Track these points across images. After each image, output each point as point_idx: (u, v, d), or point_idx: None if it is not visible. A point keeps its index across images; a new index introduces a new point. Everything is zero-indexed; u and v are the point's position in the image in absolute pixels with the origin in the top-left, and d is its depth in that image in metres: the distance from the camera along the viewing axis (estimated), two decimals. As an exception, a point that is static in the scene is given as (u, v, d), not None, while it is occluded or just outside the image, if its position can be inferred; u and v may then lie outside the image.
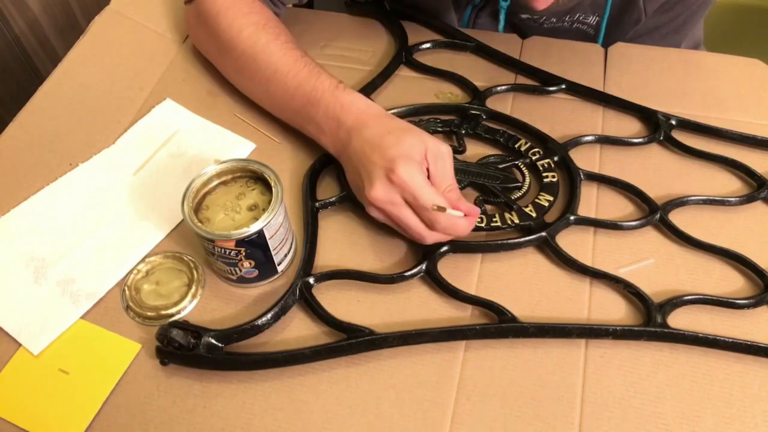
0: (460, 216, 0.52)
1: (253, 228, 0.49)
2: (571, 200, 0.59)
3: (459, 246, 0.56)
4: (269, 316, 0.52)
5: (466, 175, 0.60)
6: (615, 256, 0.57)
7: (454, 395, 0.50)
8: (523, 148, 0.63)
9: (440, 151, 0.53)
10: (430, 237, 0.53)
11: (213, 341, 0.50)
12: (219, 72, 0.70)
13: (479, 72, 0.70)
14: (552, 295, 0.55)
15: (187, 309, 0.54)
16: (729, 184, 0.62)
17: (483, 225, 0.57)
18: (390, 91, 0.69)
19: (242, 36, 0.62)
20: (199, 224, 0.50)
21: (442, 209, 0.51)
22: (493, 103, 0.67)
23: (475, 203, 0.59)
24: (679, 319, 0.53)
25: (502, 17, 0.73)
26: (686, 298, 0.54)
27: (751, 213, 0.60)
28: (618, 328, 0.51)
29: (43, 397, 0.50)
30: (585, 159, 0.63)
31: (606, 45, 0.73)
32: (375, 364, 0.51)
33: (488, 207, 0.59)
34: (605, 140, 0.64)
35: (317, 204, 0.59)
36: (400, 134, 0.53)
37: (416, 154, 0.52)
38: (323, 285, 0.55)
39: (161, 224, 0.59)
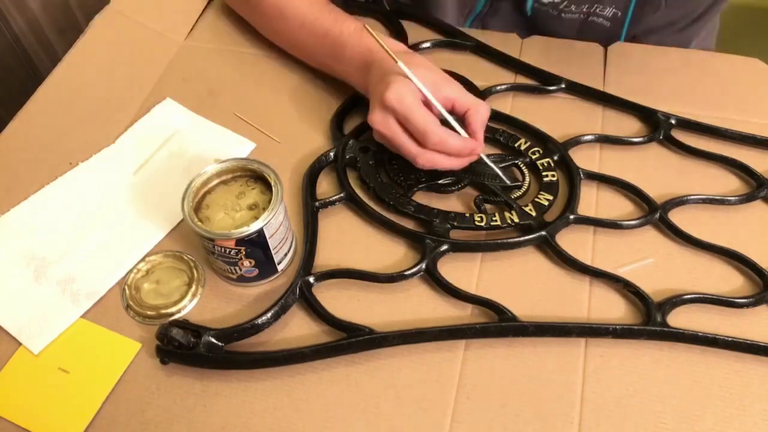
0: (451, 133, 0.55)
1: (253, 227, 0.49)
2: (571, 199, 0.59)
3: (459, 245, 0.56)
4: (269, 315, 0.52)
5: (466, 174, 0.60)
6: (615, 256, 0.57)
7: (454, 394, 0.50)
8: (522, 148, 0.63)
9: (445, 93, 0.56)
10: (423, 156, 0.55)
11: (213, 340, 0.50)
12: (219, 71, 0.70)
13: (479, 71, 0.70)
14: (552, 294, 0.55)
15: (187, 308, 0.54)
16: (729, 184, 0.62)
17: (483, 224, 0.57)
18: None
19: None
20: (199, 223, 0.50)
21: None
22: (493, 103, 0.67)
23: (475, 203, 0.59)
24: (679, 318, 0.53)
25: (529, 5, 0.73)
26: (686, 297, 0.54)
27: (751, 212, 0.60)
28: (618, 327, 0.51)
29: (43, 396, 0.50)
30: (585, 158, 0.63)
31: (627, 36, 0.74)
32: (375, 363, 0.51)
33: (488, 206, 0.59)
34: (605, 139, 0.64)
35: (317, 203, 0.59)
36: (412, 67, 0.56)
37: (415, 79, 0.55)
38: (323, 284, 0.55)
39: (161, 223, 0.59)
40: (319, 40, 0.65)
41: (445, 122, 0.57)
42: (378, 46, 0.58)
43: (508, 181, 0.59)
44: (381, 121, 0.56)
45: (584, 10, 0.74)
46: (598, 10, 0.73)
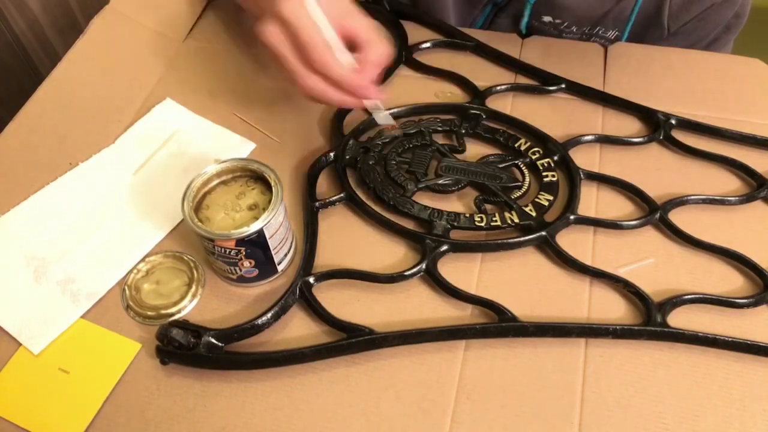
0: (340, 62, 0.51)
1: (253, 227, 0.49)
2: (571, 200, 0.59)
3: (459, 245, 0.56)
4: (269, 315, 0.52)
5: (466, 174, 0.60)
6: (615, 256, 0.57)
7: (454, 395, 0.50)
8: (522, 148, 0.63)
9: (348, 22, 0.52)
10: (305, 78, 0.51)
11: (213, 341, 0.50)
12: (219, 71, 0.70)
13: (479, 71, 0.70)
14: (552, 294, 0.55)
15: (187, 308, 0.54)
16: (729, 184, 0.62)
17: (483, 224, 0.57)
18: (390, 91, 0.69)
19: None
20: (199, 224, 0.50)
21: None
22: (492, 103, 0.67)
23: (475, 203, 0.59)
24: (679, 319, 0.53)
25: (527, 14, 0.72)
26: (686, 297, 0.54)
27: (751, 212, 0.60)
28: (618, 327, 0.51)
29: (43, 397, 0.50)
30: (585, 158, 0.63)
31: None
32: (375, 363, 0.51)
33: (488, 206, 0.59)
34: (605, 140, 0.64)
35: (317, 204, 0.59)
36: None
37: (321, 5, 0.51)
38: (323, 284, 0.55)
39: (161, 224, 0.59)
40: None
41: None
42: None
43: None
44: (270, 30, 0.52)
45: (585, 31, 0.74)
46: (600, 32, 0.74)
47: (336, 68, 0.51)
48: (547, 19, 0.74)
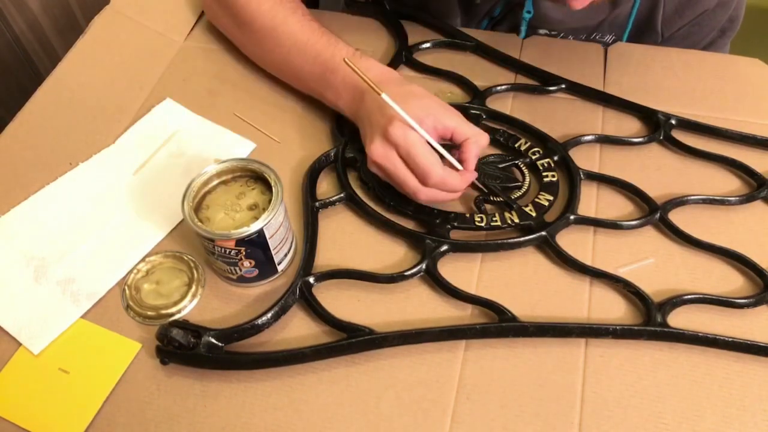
0: (452, 172, 0.55)
1: (253, 227, 0.49)
2: (571, 200, 0.59)
3: (459, 246, 0.56)
4: (269, 315, 0.52)
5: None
6: (615, 256, 0.57)
7: (454, 395, 0.50)
8: (523, 148, 0.63)
9: (444, 123, 0.55)
10: (423, 193, 0.55)
11: (213, 340, 0.50)
12: (219, 71, 0.70)
13: (479, 72, 0.70)
14: (552, 294, 0.55)
15: (187, 308, 0.54)
16: (729, 184, 0.62)
17: (483, 225, 0.57)
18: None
19: (261, 10, 0.65)
20: (199, 224, 0.50)
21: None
22: (493, 103, 0.67)
23: (475, 203, 0.59)
24: (679, 319, 0.53)
25: (523, 29, 0.73)
26: (686, 297, 0.54)
27: (751, 212, 0.60)
28: (618, 327, 0.51)
29: (43, 397, 0.50)
30: (585, 158, 0.63)
31: None
32: (375, 363, 0.51)
33: (488, 206, 0.59)
34: (605, 140, 0.64)
35: (317, 204, 0.59)
36: (408, 97, 0.55)
37: (417, 115, 0.54)
38: (323, 284, 0.55)
39: (161, 224, 0.59)
40: (309, 63, 0.63)
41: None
42: (372, 72, 0.57)
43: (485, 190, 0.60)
44: (382, 154, 0.55)
45: (582, 38, 0.75)
46: (597, 37, 0.74)
47: (452, 183, 0.55)
48: (543, 32, 0.75)
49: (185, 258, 0.56)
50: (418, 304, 0.54)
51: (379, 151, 0.55)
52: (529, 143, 0.63)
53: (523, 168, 0.62)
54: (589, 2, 0.53)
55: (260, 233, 0.50)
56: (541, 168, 0.61)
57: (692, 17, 0.73)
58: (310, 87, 0.65)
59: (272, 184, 0.52)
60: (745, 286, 0.55)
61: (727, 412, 0.48)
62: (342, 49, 0.62)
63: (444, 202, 0.58)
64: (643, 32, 0.74)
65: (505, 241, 0.57)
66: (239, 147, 0.64)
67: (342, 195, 0.60)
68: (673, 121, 0.65)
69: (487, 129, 0.64)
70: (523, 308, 0.53)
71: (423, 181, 0.54)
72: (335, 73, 0.61)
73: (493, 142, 0.64)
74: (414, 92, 0.57)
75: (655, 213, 0.58)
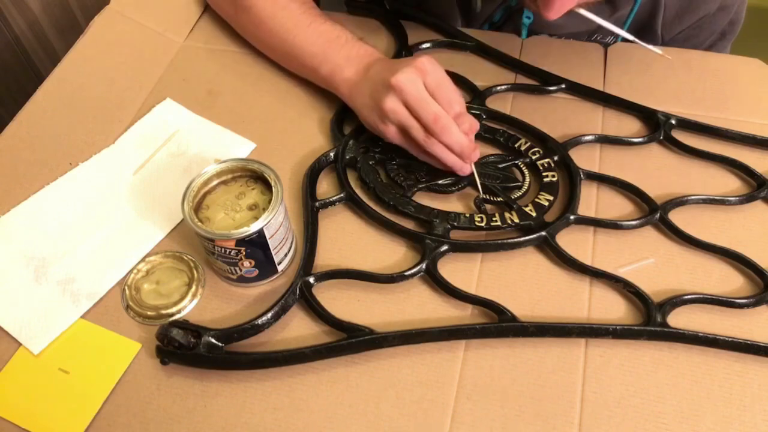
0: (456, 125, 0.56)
1: (253, 227, 0.49)
2: (571, 200, 0.59)
3: (459, 245, 0.56)
4: (269, 315, 0.52)
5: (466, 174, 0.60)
6: (615, 256, 0.57)
7: (454, 395, 0.50)
8: (523, 148, 0.63)
9: (438, 77, 0.57)
10: (430, 144, 0.57)
11: (213, 340, 0.50)
12: (219, 71, 0.70)
13: (479, 72, 0.70)
14: (552, 294, 0.55)
15: (187, 308, 0.54)
16: (729, 184, 0.62)
17: (483, 225, 0.57)
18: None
19: None
20: (199, 224, 0.50)
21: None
22: (492, 103, 0.67)
23: (475, 203, 0.59)
24: (679, 319, 0.53)
25: (524, 35, 0.73)
26: (686, 297, 0.54)
27: (751, 212, 0.60)
28: (618, 327, 0.51)
29: (43, 397, 0.50)
30: (585, 158, 0.63)
31: None
32: (375, 363, 0.51)
33: (488, 206, 0.59)
34: (605, 140, 0.64)
35: (317, 204, 0.59)
36: (408, 60, 0.58)
37: (419, 63, 0.56)
38: (323, 284, 0.55)
39: (161, 224, 0.59)
40: (310, 42, 0.64)
41: None
42: (375, 56, 0.58)
43: (481, 192, 0.60)
44: (394, 108, 0.56)
45: (584, 40, 0.75)
46: (599, 38, 0.75)
47: (456, 135, 0.56)
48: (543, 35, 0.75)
49: (185, 258, 0.56)
50: (418, 304, 0.54)
51: (389, 104, 0.56)
52: (529, 143, 0.63)
53: (523, 168, 0.62)
54: (566, 11, 0.54)
55: (260, 233, 0.50)
56: (541, 168, 0.61)
57: (693, 21, 0.73)
58: (303, 64, 0.66)
59: (272, 184, 0.52)
60: (745, 286, 0.55)
61: (727, 412, 0.48)
62: (348, 33, 0.64)
63: (447, 164, 0.58)
64: (643, 36, 0.74)
65: (505, 241, 0.57)
66: (239, 147, 0.64)
67: (342, 195, 0.60)
68: (673, 121, 0.65)
69: (487, 129, 0.65)
70: (523, 308, 0.53)
71: (431, 127, 0.56)
72: (339, 49, 0.63)
73: (493, 142, 0.64)
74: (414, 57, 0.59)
75: (655, 213, 0.58)
